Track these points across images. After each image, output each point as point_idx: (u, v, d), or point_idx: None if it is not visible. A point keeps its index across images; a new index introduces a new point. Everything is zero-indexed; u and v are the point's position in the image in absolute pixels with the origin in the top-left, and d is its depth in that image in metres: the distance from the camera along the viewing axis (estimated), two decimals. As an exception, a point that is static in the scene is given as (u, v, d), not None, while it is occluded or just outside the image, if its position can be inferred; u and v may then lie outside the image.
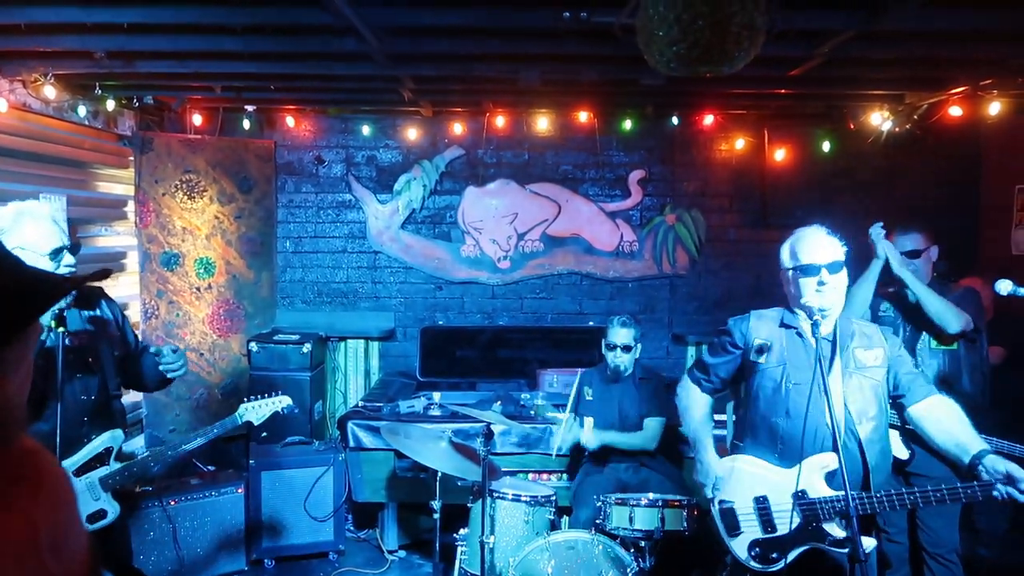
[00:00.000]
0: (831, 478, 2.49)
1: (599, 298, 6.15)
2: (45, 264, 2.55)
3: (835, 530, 2.47)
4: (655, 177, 6.10)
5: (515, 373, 5.65)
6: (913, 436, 3.35)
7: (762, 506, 2.59)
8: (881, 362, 2.60)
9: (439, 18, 3.40)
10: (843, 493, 2.36)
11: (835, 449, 2.30)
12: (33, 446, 0.61)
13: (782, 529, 2.54)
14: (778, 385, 2.61)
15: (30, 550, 0.56)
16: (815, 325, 2.51)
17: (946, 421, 2.52)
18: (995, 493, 2.28)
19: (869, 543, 2.45)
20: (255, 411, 3.30)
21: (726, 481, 2.70)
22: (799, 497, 2.50)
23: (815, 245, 2.61)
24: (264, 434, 4.59)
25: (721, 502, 2.69)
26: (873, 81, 4.73)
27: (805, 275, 2.58)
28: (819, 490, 2.51)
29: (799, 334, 2.65)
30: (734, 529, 2.64)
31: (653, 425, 4.02)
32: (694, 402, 2.92)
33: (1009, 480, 2.25)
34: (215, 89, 4.93)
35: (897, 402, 2.66)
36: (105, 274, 0.99)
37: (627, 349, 4.06)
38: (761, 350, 2.66)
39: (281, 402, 3.36)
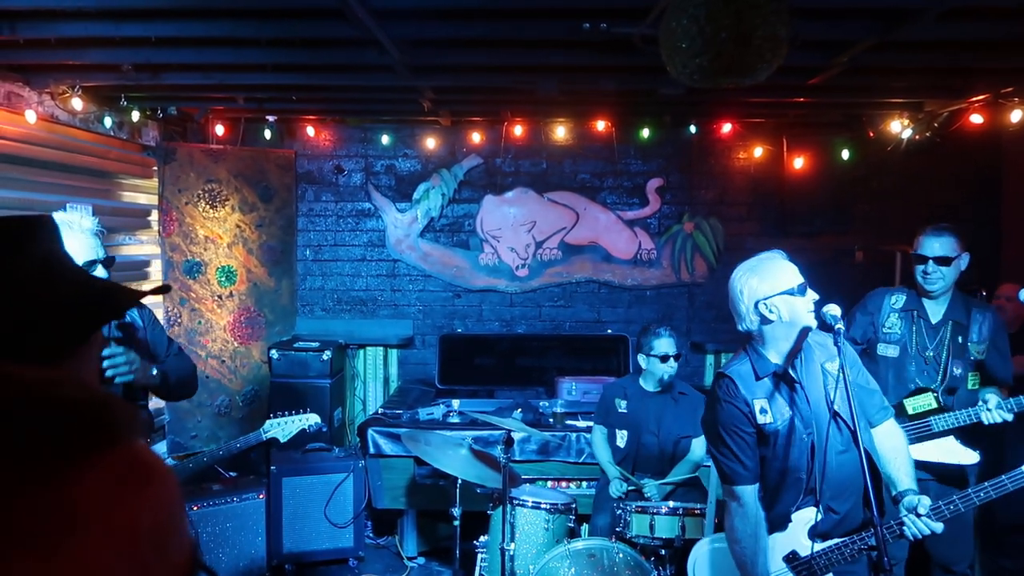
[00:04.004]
0: (813, 532, 2.41)
1: (617, 306, 6.15)
2: None
3: None
4: (673, 185, 6.11)
5: (533, 381, 5.66)
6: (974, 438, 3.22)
7: None
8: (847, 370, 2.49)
9: (460, 30, 3.44)
10: (830, 543, 2.38)
11: (863, 474, 2.20)
12: (141, 447, 0.65)
13: None
14: (799, 437, 2.42)
15: (133, 546, 0.60)
16: (837, 334, 2.33)
17: (895, 451, 2.49)
18: (906, 530, 2.31)
19: None
20: (281, 428, 3.30)
21: (726, 567, 2.57)
22: (791, 559, 2.42)
23: (788, 268, 2.43)
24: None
25: None
26: (892, 89, 4.72)
27: (803, 295, 2.41)
28: (805, 547, 2.41)
29: (782, 376, 2.47)
30: None
31: (697, 447, 3.95)
32: (761, 524, 2.44)
33: (914, 511, 2.29)
34: (238, 100, 5.00)
35: None
36: (166, 289, 1.07)
37: (676, 358, 3.92)
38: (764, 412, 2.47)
39: (308, 420, 3.36)
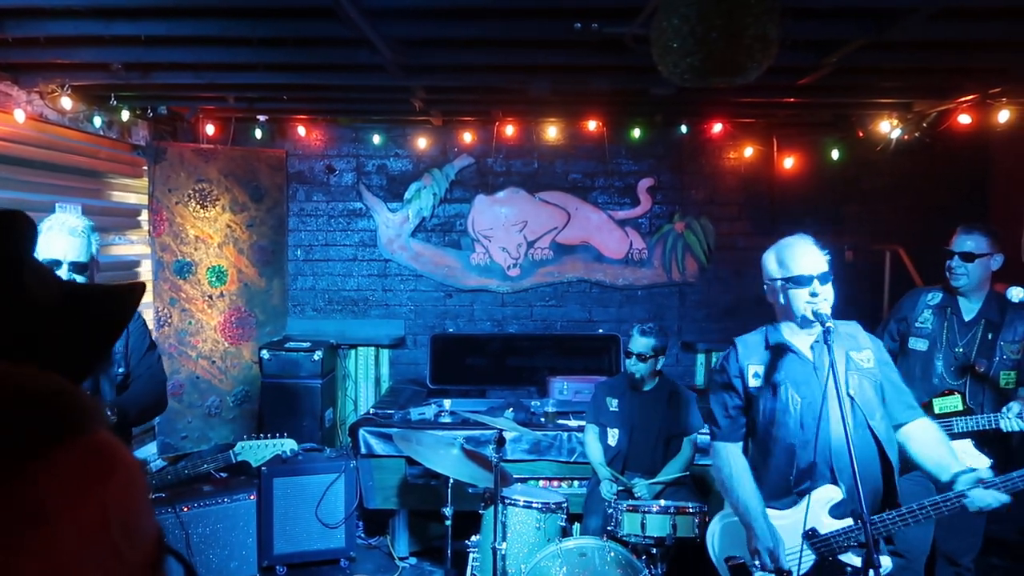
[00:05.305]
0: (836, 510, 2.47)
1: (609, 306, 6.16)
2: None
3: (852, 559, 2.45)
4: (664, 185, 6.13)
5: (525, 381, 5.66)
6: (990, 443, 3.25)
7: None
8: (873, 363, 2.56)
9: (452, 30, 3.44)
10: (851, 522, 2.42)
11: (850, 459, 2.27)
12: (108, 437, 0.66)
13: (799, 570, 2.51)
14: (786, 406, 2.53)
15: (103, 534, 0.60)
16: (827, 332, 2.40)
17: (935, 443, 2.53)
18: (968, 503, 2.34)
19: (884, 562, 2.44)
20: (253, 452, 3.25)
21: (736, 537, 2.66)
22: (810, 536, 2.48)
23: (804, 255, 2.54)
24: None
25: (731, 558, 2.66)
26: (882, 90, 4.75)
27: (798, 286, 2.51)
28: (827, 525, 2.47)
29: (789, 349, 2.58)
30: None
31: (688, 446, 3.99)
32: (736, 468, 2.63)
33: (981, 483, 2.32)
34: (228, 99, 4.99)
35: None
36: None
37: (642, 358, 3.96)
38: (758, 377, 2.61)
39: (283, 445, 3.31)
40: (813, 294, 2.48)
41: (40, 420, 0.62)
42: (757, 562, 2.53)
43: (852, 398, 2.48)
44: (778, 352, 2.59)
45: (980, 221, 3.44)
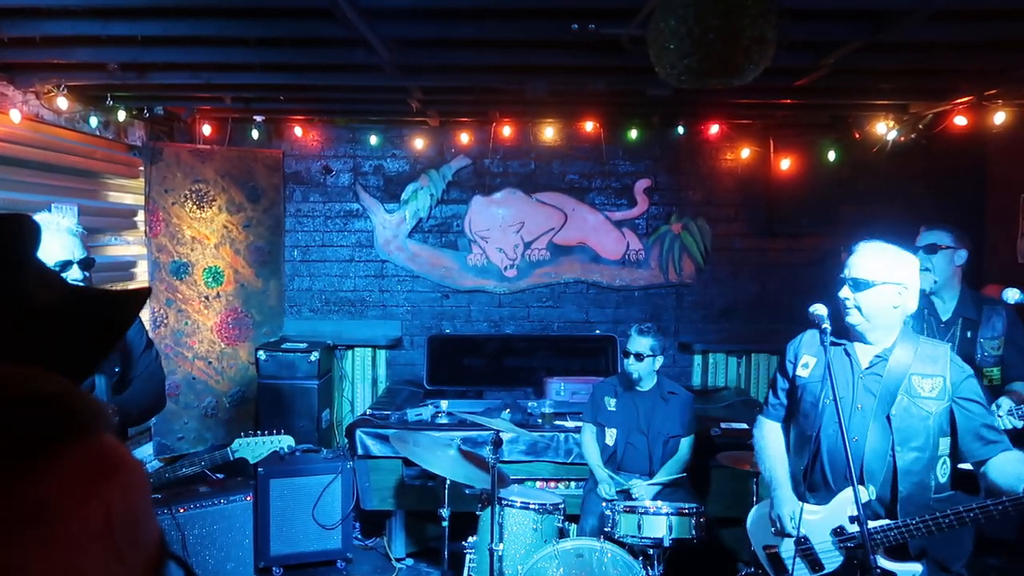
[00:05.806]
0: (864, 510, 2.42)
1: (605, 307, 6.16)
2: None
3: (882, 561, 2.45)
4: (661, 186, 6.13)
5: (522, 381, 5.66)
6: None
7: (804, 547, 2.58)
8: (938, 393, 2.46)
9: (449, 30, 3.44)
10: (884, 523, 2.43)
11: (848, 468, 2.29)
12: (111, 439, 0.66)
13: (830, 566, 2.55)
14: (816, 400, 2.59)
15: (105, 536, 0.61)
16: (823, 334, 2.49)
17: (1013, 462, 2.40)
18: None
19: (913, 568, 2.47)
20: (251, 448, 3.26)
21: (768, 527, 2.73)
22: (838, 532, 2.52)
23: (854, 260, 2.58)
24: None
25: (769, 547, 2.72)
26: (878, 91, 4.76)
27: (838, 288, 2.59)
28: (854, 525, 2.49)
29: (846, 352, 2.60)
30: (783, 572, 2.67)
31: (685, 447, 4.01)
32: (769, 442, 2.84)
33: None
34: (225, 100, 4.98)
35: (960, 454, 2.53)
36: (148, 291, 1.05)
37: (639, 358, 3.97)
38: (805, 365, 2.70)
39: (281, 441, 3.33)
40: (840, 298, 2.56)
41: (42, 421, 0.62)
42: (772, 529, 2.64)
43: (889, 419, 2.47)
44: (834, 350, 2.58)
45: (932, 223, 3.51)
